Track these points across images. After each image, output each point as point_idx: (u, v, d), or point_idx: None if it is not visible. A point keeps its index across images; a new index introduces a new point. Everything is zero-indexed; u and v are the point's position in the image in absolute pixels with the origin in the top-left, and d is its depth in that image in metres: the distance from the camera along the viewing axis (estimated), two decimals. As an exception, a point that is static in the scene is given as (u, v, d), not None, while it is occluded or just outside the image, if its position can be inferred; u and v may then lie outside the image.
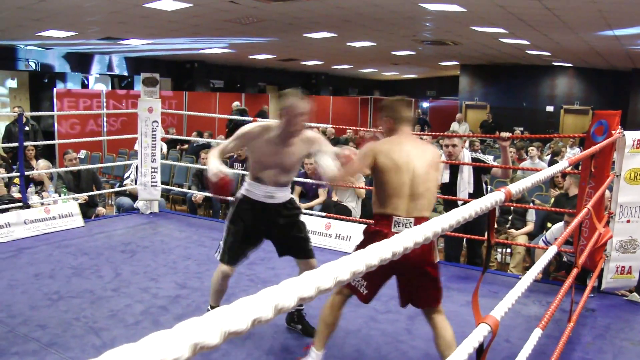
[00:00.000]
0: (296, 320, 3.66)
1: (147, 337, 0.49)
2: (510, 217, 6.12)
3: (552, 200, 6.63)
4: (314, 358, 2.96)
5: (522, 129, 16.79)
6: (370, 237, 2.92)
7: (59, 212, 5.93)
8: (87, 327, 3.51)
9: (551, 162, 9.11)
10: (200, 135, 11.86)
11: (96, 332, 3.46)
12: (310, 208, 6.63)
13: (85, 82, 15.91)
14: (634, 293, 4.38)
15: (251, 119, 8.82)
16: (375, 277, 2.93)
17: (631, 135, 4.25)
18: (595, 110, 4.91)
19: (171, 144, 11.35)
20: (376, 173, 2.87)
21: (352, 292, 2.98)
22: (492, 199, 1.25)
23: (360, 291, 2.95)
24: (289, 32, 11.73)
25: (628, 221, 4.29)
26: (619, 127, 4.18)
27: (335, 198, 6.63)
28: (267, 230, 3.45)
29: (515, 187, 1.43)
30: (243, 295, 0.58)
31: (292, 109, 3.13)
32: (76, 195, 6.51)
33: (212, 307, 3.50)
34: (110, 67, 16.16)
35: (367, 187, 6.60)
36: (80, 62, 15.33)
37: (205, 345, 0.50)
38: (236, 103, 13.80)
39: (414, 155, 2.83)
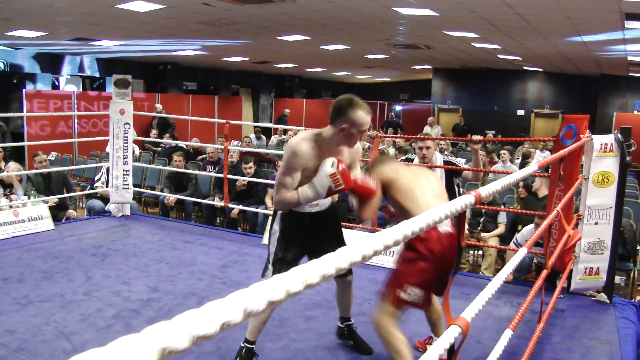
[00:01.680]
0: (347, 335, 3.50)
1: (115, 342, 0.48)
2: (481, 220, 6.18)
3: (516, 197, 6.73)
4: None
5: (493, 132, 16.99)
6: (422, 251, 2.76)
7: (28, 215, 5.82)
8: (57, 332, 3.45)
9: (522, 165, 9.24)
10: (173, 137, 11.79)
11: (66, 336, 3.40)
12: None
13: (56, 83, 15.67)
14: (602, 293, 4.46)
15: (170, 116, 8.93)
16: (432, 285, 2.82)
17: (599, 139, 4.33)
18: (565, 115, 5.00)
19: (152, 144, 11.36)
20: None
21: (405, 306, 2.82)
22: (463, 202, 1.26)
23: (419, 303, 2.82)
24: (262, 35, 11.71)
25: (596, 223, 4.37)
26: (588, 131, 4.25)
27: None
28: (315, 240, 3.14)
29: (485, 190, 1.45)
30: (215, 299, 0.58)
31: (361, 125, 2.76)
32: (46, 198, 6.41)
33: (250, 343, 3.14)
34: (81, 68, 15.93)
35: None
36: (51, 62, 15.08)
37: (173, 350, 0.50)
38: (158, 105, 13.39)
39: None
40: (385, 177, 2.94)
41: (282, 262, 3.08)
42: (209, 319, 0.53)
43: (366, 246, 0.79)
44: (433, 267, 2.72)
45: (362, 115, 2.74)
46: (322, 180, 2.79)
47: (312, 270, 0.66)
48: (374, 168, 3.06)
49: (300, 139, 2.85)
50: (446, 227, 2.77)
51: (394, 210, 3.04)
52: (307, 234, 3.13)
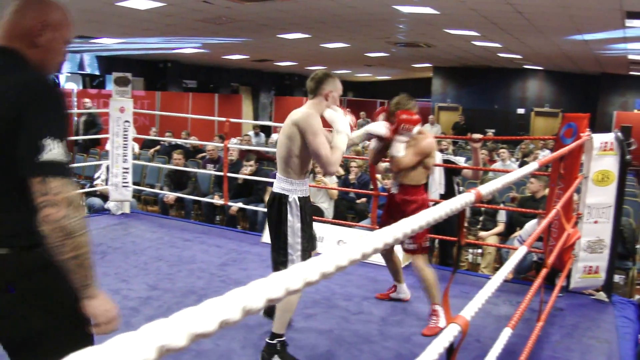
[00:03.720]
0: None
1: (112, 339, 0.48)
2: (481, 218, 6.18)
3: (511, 197, 6.73)
4: (441, 312, 3.71)
5: (493, 130, 16.99)
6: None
7: (27, 212, 5.82)
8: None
9: (522, 164, 9.24)
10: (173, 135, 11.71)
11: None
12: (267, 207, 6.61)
13: (56, 81, 15.67)
14: (601, 292, 4.47)
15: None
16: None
17: (599, 138, 4.33)
18: (565, 113, 5.00)
19: (152, 143, 11.23)
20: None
21: (426, 252, 3.89)
22: (462, 200, 1.26)
23: (427, 246, 3.92)
24: (262, 33, 11.70)
25: (596, 222, 4.37)
26: (588, 129, 4.25)
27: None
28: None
29: (486, 189, 1.45)
30: (214, 297, 0.58)
31: (340, 88, 3.30)
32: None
33: (282, 336, 3.23)
34: (81, 66, 15.92)
35: (340, 189, 6.62)
36: (51, 60, 15.08)
37: (171, 348, 0.50)
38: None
39: None
40: (434, 151, 3.86)
41: (307, 252, 3.17)
42: (207, 316, 0.53)
43: (370, 242, 0.79)
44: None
45: (339, 81, 3.26)
46: (342, 123, 3.13)
47: (312, 269, 0.66)
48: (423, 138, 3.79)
49: (305, 111, 3.11)
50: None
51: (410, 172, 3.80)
52: (311, 218, 3.30)
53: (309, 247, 3.19)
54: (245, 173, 6.91)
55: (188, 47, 14.69)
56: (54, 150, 1.52)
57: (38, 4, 1.72)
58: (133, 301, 4.02)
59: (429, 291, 3.76)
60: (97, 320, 1.62)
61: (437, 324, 3.70)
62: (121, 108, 6.55)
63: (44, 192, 1.50)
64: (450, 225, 4.82)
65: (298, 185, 3.14)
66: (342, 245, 0.76)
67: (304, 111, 3.09)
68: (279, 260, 3.19)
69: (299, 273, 0.63)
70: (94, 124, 11.00)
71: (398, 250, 4.27)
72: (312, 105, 3.16)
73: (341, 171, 7.29)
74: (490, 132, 16.24)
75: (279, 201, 3.16)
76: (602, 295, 4.45)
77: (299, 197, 3.14)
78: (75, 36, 11.91)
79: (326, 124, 3.14)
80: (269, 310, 3.52)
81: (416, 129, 3.68)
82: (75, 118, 11.51)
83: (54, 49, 1.75)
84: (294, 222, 3.13)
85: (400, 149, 3.70)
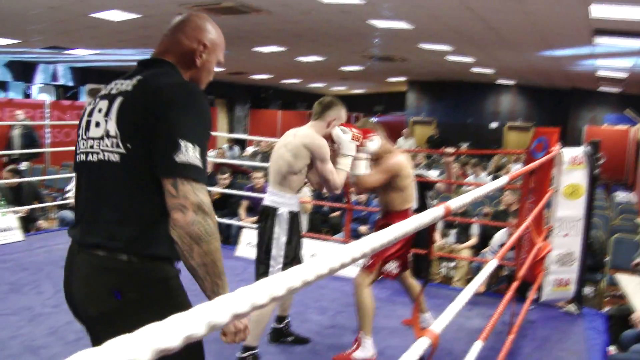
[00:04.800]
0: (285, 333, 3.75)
1: (75, 356, 0.48)
2: (454, 231, 6.23)
3: (484, 211, 6.80)
4: (369, 344, 3.45)
5: (467, 144, 17.18)
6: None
7: (-4, 225, 5.71)
8: (24, 346, 3.38)
9: (495, 178, 9.34)
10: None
11: (34, 350, 3.34)
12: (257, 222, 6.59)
13: (28, 92, 15.45)
14: (571, 304, 4.53)
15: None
16: (405, 254, 3.62)
17: (569, 152, 4.41)
18: (536, 128, 5.08)
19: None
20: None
21: (385, 276, 3.60)
22: (431, 214, 1.27)
23: (395, 273, 3.58)
24: (238, 46, 11.70)
25: (566, 235, 4.43)
26: (558, 143, 4.33)
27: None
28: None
29: (455, 203, 1.47)
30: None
31: (343, 118, 3.31)
32: (16, 209, 6.29)
33: (253, 349, 3.24)
34: (55, 77, 15.73)
35: (312, 202, 6.62)
36: (24, 71, 14.86)
37: (166, 349, 0.51)
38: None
39: None
40: (403, 170, 3.57)
41: (290, 266, 3.15)
42: (172, 332, 0.53)
43: (343, 254, 0.80)
44: (408, 244, 3.55)
45: (344, 111, 3.31)
46: (349, 147, 3.21)
47: (279, 284, 0.66)
48: (390, 158, 3.59)
49: (314, 134, 3.16)
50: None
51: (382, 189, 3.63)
52: (299, 234, 3.35)
53: (293, 261, 3.21)
54: (220, 186, 6.88)
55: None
56: (189, 153, 1.48)
57: (200, 24, 1.76)
58: (104, 316, 3.95)
59: (359, 317, 3.46)
60: (225, 329, 1.60)
61: (355, 354, 3.46)
62: (94, 120, 6.47)
63: (174, 194, 1.48)
64: (423, 238, 4.86)
65: (289, 199, 3.20)
66: (314, 258, 0.76)
67: (313, 135, 3.15)
68: (260, 271, 3.23)
69: (265, 288, 0.63)
70: (31, 137, 10.04)
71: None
72: (315, 127, 3.22)
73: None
74: (464, 146, 16.42)
75: (268, 213, 3.22)
76: (572, 308, 4.52)
77: (289, 211, 3.20)
78: (49, 47, 11.79)
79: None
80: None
81: (374, 144, 3.40)
82: (15, 131, 10.33)
83: (208, 69, 1.79)
84: (280, 234, 3.18)
85: (361, 167, 3.44)
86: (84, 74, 15.95)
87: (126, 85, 1.63)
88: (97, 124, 1.63)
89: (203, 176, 1.52)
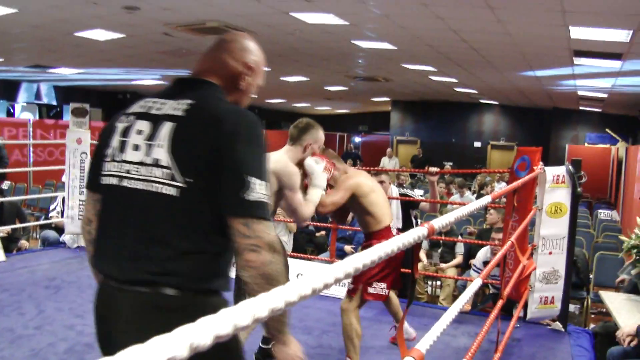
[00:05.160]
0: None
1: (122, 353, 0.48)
2: (439, 250, 6.25)
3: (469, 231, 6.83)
4: None
5: (451, 163, 17.30)
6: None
7: (-24, 247, 5.63)
8: (3, 370, 3.32)
9: (479, 196, 9.39)
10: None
11: (13, 375, 3.28)
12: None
13: (11, 110, 15.36)
14: (557, 322, 4.54)
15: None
16: (393, 279, 3.52)
17: (551, 171, 4.45)
18: (519, 147, 5.13)
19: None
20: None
21: (372, 299, 3.49)
22: (415, 234, 1.28)
23: (383, 294, 3.47)
24: (222, 66, 11.71)
25: (550, 253, 4.46)
26: (541, 162, 4.37)
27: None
28: None
29: (439, 222, 1.47)
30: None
31: (321, 141, 3.24)
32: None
33: None
34: (38, 95, 15.67)
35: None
36: (6, 89, 14.78)
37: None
38: None
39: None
40: (361, 188, 3.50)
41: None
42: (154, 354, 0.52)
43: (326, 275, 0.80)
44: (394, 263, 3.46)
45: (322, 133, 3.23)
46: (321, 178, 3.15)
47: (261, 306, 0.66)
48: (346, 179, 3.54)
49: (288, 161, 3.06)
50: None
51: (352, 211, 3.69)
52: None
53: None
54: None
55: (148, 79, 14.62)
56: (258, 191, 1.44)
57: (245, 45, 1.71)
58: (88, 337, 3.89)
59: (346, 342, 3.45)
60: None
61: None
62: (78, 139, 6.44)
63: (247, 234, 1.42)
64: (407, 258, 4.87)
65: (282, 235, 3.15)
66: (298, 279, 0.76)
67: (286, 162, 3.05)
68: (239, 299, 3.15)
69: (246, 310, 0.63)
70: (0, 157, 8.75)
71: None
72: (290, 152, 3.15)
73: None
74: (448, 165, 16.51)
75: None
76: (558, 325, 4.53)
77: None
78: (32, 65, 11.74)
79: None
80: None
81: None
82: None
83: (249, 92, 1.73)
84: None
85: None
86: (68, 93, 15.89)
87: (174, 108, 1.54)
88: (136, 147, 1.54)
89: (269, 212, 1.49)
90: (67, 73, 13.19)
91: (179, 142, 1.48)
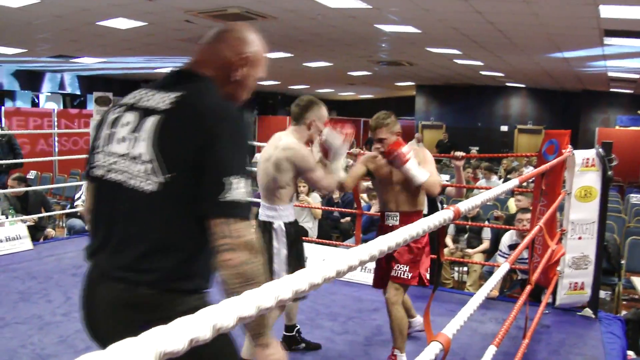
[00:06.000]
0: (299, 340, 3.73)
1: (79, 358, 0.48)
2: (466, 236, 6.21)
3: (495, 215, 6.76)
4: None
5: (477, 148, 17.12)
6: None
7: (5, 234, 5.73)
8: (34, 355, 3.39)
9: (505, 181, 9.29)
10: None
11: (44, 359, 3.35)
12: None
13: (36, 100, 15.57)
14: (587, 308, 4.48)
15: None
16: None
17: (581, 154, 4.38)
18: (546, 130, 5.05)
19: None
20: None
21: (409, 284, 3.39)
22: (441, 217, 1.26)
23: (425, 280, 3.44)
24: (245, 52, 11.71)
25: (580, 238, 4.40)
26: (569, 146, 4.30)
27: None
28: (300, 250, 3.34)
29: (465, 205, 1.46)
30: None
31: (325, 117, 3.22)
32: (24, 217, 6.31)
33: None
34: (62, 85, 15.86)
35: (323, 208, 6.62)
36: (30, 80, 14.98)
37: (170, 352, 0.51)
38: None
39: None
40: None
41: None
42: (177, 335, 0.52)
43: (352, 256, 0.79)
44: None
45: (324, 109, 3.23)
46: (342, 148, 3.14)
47: (285, 287, 0.65)
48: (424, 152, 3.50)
49: (296, 143, 3.10)
50: (394, 221, 3.45)
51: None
52: (301, 243, 3.32)
53: (296, 269, 3.15)
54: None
55: (169, 67, 14.69)
56: (239, 190, 1.44)
57: (242, 36, 1.68)
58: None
59: (394, 334, 3.36)
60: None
61: None
62: (101, 129, 6.50)
63: (225, 234, 1.42)
64: (434, 243, 4.84)
65: (283, 211, 3.15)
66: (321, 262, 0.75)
67: (295, 146, 3.06)
68: None
69: (270, 291, 0.63)
70: (11, 146, 8.57)
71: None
72: (296, 133, 3.16)
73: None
74: (474, 150, 16.35)
75: (265, 228, 3.17)
76: (588, 312, 4.47)
77: (284, 223, 3.15)
78: (55, 55, 11.88)
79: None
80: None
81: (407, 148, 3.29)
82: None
83: (246, 85, 1.71)
84: (280, 249, 3.14)
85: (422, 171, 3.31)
86: (91, 82, 16.06)
87: (161, 100, 1.55)
88: (122, 139, 1.55)
89: (250, 213, 1.49)
90: (90, 62, 13.32)
91: (162, 137, 1.49)
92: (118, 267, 1.51)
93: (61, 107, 15.82)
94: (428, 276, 3.45)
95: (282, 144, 3.10)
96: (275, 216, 3.14)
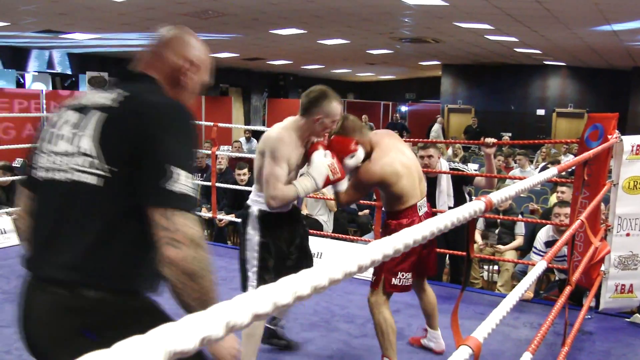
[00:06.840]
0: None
1: (83, 357, 0.49)
2: (497, 231, 6.19)
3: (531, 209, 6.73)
4: None
5: (510, 134, 17.01)
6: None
7: (-10, 229, 5.80)
8: (21, 361, 3.44)
9: (543, 171, 9.23)
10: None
11: (33, 366, 3.38)
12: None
13: (21, 80, 15.63)
14: (637, 314, 4.42)
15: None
16: (417, 265, 3.44)
17: (630, 141, 4.33)
18: (590, 114, 5.01)
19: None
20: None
21: (397, 291, 3.38)
22: (471, 208, 1.27)
23: (407, 285, 3.39)
24: (253, 28, 11.73)
25: (628, 234, 4.37)
26: (617, 131, 4.26)
27: (305, 211, 6.64)
28: (295, 242, 3.34)
29: (497, 196, 1.45)
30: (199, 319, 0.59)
31: (335, 115, 3.03)
32: (10, 210, 6.35)
33: None
34: (50, 64, 15.89)
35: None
36: (15, 57, 15.01)
37: (180, 352, 0.52)
38: None
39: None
40: (389, 175, 3.26)
41: (265, 269, 3.16)
42: (188, 333, 0.54)
43: (363, 255, 0.80)
44: (417, 248, 3.24)
45: (336, 106, 3.03)
46: (320, 170, 3.01)
47: (303, 282, 0.66)
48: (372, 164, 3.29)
49: (281, 129, 3.04)
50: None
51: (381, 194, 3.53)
52: (285, 235, 3.26)
53: (271, 264, 3.17)
54: (239, 183, 6.92)
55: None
56: (181, 181, 1.49)
57: (189, 41, 1.81)
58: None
59: (379, 339, 3.36)
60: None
61: None
62: (95, 113, 6.53)
63: (166, 227, 1.46)
64: (462, 239, 4.83)
65: (263, 198, 3.11)
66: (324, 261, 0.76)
67: (275, 134, 3.03)
68: (240, 274, 3.26)
69: (286, 287, 0.64)
70: None
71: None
72: (296, 122, 3.09)
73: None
74: (507, 136, 16.26)
75: (244, 214, 3.24)
76: (638, 318, 4.42)
77: (259, 210, 3.16)
78: (42, 30, 11.87)
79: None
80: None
81: (355, 160, 3.20)
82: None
83: (192, 89, 1.83)
84: (253, 235, 3.17)
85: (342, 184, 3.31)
86: (84, 61, 16.06)
87: (105, 98, 1.62)
88: (63, 137, 1.61)
89: (195, 206, 1.53)
90: (82, 39, 13.32)
91: (106, 131, 1.55)
92: (58, 267, 1.55)
93: (50, 88, 15.83)
94: (399, 281, 3.34)
95: (269, 130, 3.12)
96: (254, 201, 3.19)
